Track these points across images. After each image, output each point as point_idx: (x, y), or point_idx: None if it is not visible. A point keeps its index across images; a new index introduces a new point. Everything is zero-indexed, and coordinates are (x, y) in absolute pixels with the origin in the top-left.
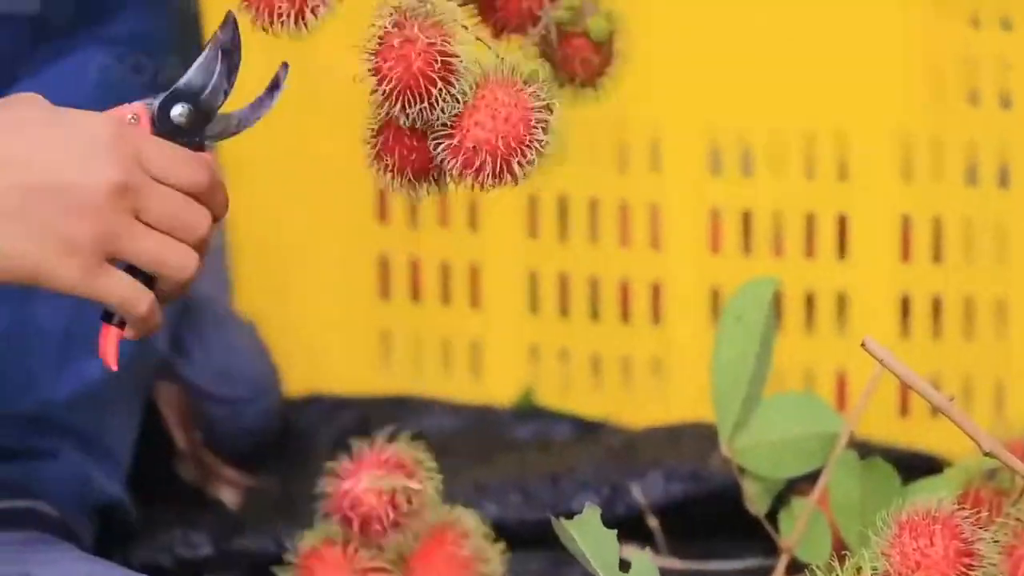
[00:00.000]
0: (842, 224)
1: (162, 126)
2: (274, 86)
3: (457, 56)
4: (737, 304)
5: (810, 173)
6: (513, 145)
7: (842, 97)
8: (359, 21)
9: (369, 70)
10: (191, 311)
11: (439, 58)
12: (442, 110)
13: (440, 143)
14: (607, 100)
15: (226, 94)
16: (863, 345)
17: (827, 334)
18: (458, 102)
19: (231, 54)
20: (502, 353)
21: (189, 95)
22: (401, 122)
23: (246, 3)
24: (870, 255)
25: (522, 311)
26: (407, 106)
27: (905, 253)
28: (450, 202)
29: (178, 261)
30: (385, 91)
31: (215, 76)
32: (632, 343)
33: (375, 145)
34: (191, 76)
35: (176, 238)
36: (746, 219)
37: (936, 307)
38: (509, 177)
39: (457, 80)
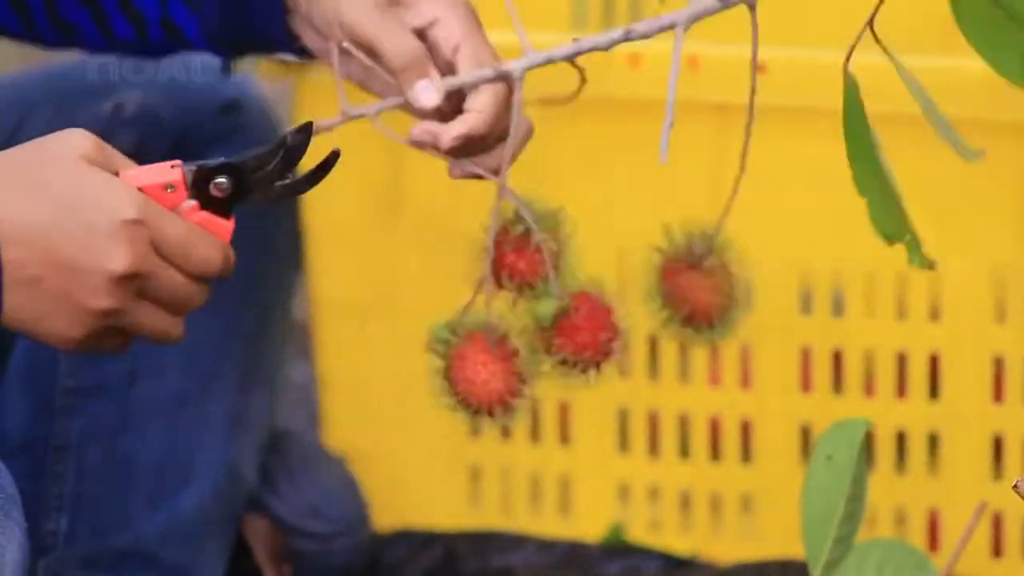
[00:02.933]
0: (934, 364)
1: (198, 191)
2: (321, 169)
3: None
4: (828, 444)
5: (902, 313)
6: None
7: (935, 237)
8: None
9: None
10: (280, 446)
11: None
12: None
13: None
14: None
15: (274, 184)
16: (1015, 487)
17: (919, 473)
18: None
19: (293, 153)
20: (591, 490)
21: (236, 173)
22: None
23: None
24: (962, 395)
25: (612, 448)
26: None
27: (998, 393)
28: None
29: (167, 332)
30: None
31: (270, 167)
32: (722, 480)
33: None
34: (247, 158)
35: (171, 312)
36: (837, 358)
37: None
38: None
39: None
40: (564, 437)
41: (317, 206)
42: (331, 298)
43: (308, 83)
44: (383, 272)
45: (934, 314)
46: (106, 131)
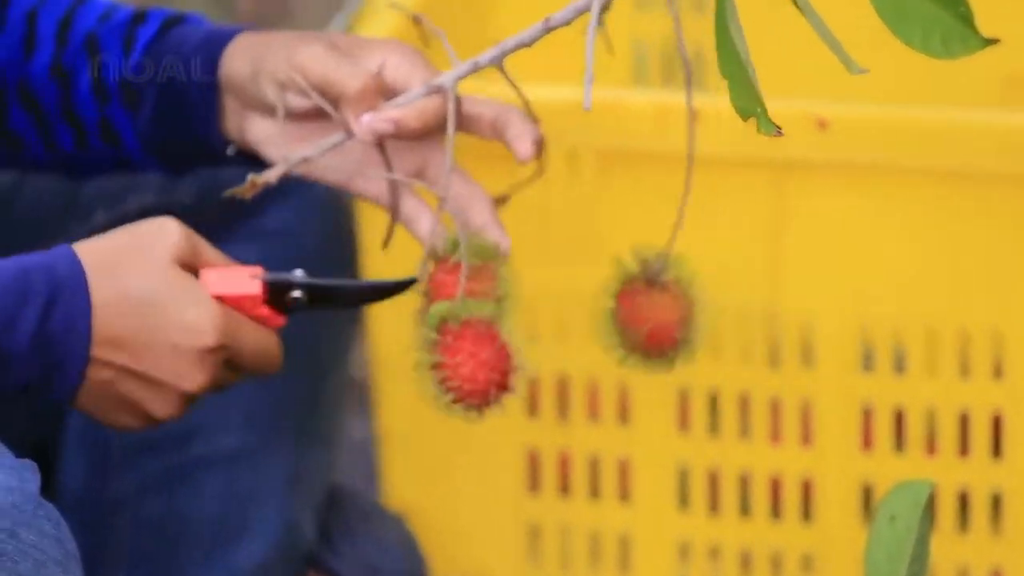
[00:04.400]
0: (996, 424)
1: (273, 298)
2: (398, 288)
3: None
4: (891, 505)
5: (964, 371)
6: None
7: (997, 296)
8: None
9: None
10: (339, 504)
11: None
12: None
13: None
14: (760, 292)
15: (349, 305)
16: None
17: (982, 533)
18: None
19: (381, 297)
20: (651, 549)
21: (317, 291)
22: None
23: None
24: None
25: (672, 506)
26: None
27: None
28: (601, 397)
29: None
30: None
31: (351, 294)
32: (783, 540)
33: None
34: (334, 287)
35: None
36: (898, 416)
37: None
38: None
39: None
40: (624, 494)
41: (375, 262)
42: (389, 356)
43: None
44: None
45: (997, 372)
46: (167, 183)
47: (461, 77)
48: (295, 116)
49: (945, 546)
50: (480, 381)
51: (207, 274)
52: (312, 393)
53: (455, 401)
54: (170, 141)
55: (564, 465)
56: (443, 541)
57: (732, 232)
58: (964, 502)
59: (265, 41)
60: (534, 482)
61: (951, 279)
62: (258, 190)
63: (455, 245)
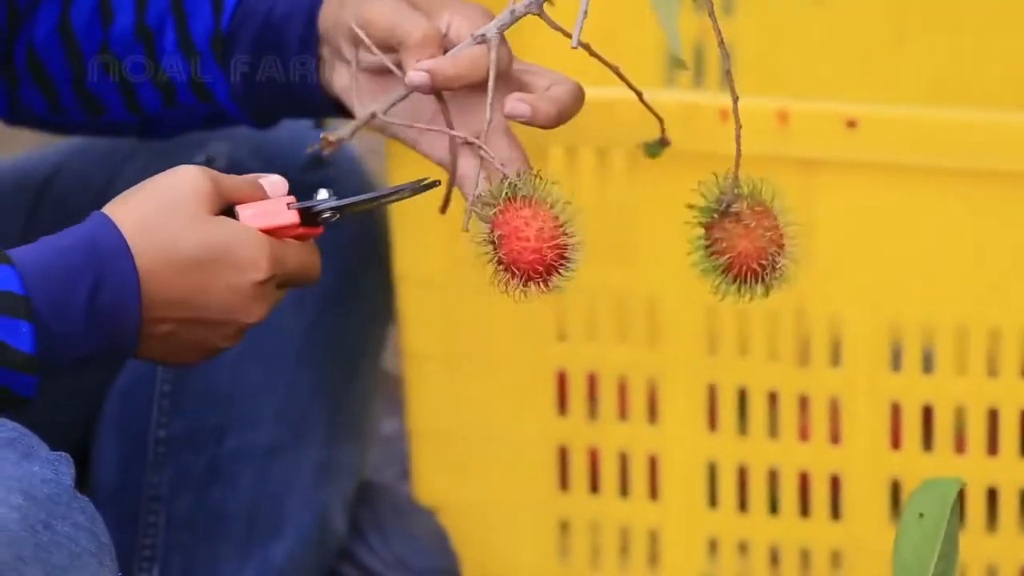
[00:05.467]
0: None
1: (306, 219)
2: (420, 188)
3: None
4: (919, 502)
5: (993, 369)
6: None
7: None
8: None
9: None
10: (370, 499)
11: None
12: None
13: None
14: (788, 291)
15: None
16: None
17: (1010, 531)
18: None
19: (405, 195)
20: (680, 545)
21: (345, 208)
22: None
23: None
24: None
25: (700, 503)
26: None
27: None
28: (630, 394)
29: None
30: None
31: (379, 199)
32: (812, 536)
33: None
34: (358, 198)
35: None
36: (927, 413)
37: None
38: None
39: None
40: (653, 491)
41: (407, 258)
42: (421, 351)
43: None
44: (473, 324)
45: None
46: None
47: (504, 27)
48: (372, 71)
49: (973, 543)
50: (533, 251)
51: (243, 211)
52: (343, 388)
53: (509, 274)
54: (266, 93)
55: (594, 462)
56: (474, 537)
57: None
58: (993, 499)
59: None
60: (564, 479)
61: (980, 277)
62: (335, 147)
63: (512, 186)
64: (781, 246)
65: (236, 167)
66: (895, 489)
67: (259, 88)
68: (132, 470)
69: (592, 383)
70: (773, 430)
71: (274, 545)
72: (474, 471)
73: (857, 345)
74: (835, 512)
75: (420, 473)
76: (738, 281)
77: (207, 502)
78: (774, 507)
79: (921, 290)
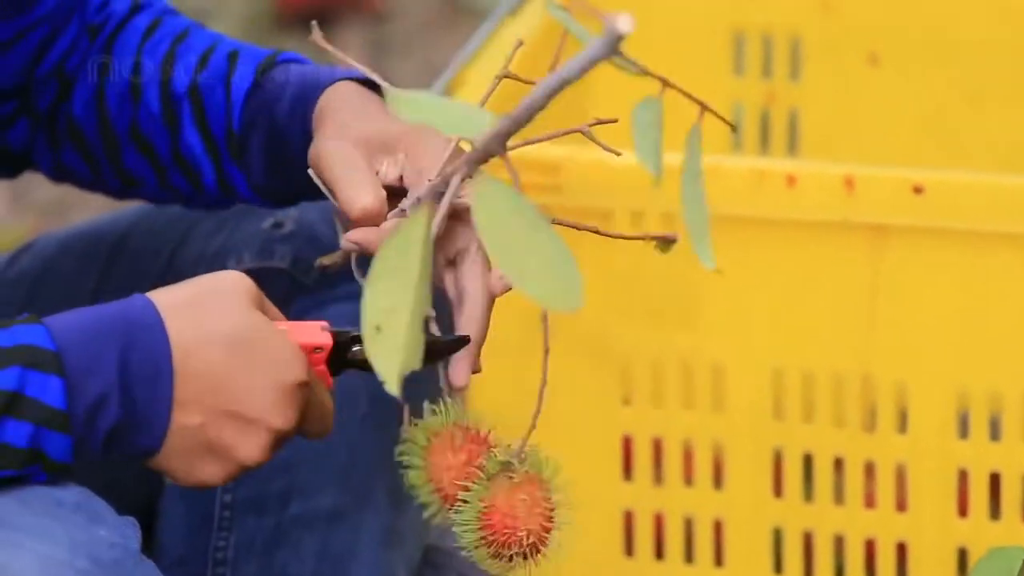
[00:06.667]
0: None
1: (335, 354)
2: (454, 344)
3: None
4: (985, 570)
5: None
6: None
7: None
8: None
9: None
10: (434, 563)
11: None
12: None
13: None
14: (854, 356)
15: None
16: None
17: None
18: None
19: (436, 354)
20: None
21: None
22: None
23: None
24: None
25: (766, 570)
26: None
27: None
28: (695, 459)
29: None
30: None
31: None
32: None
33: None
34: None
35: None
36: (994, 481)
37: None
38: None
39: None
40: (718, 558)
41: None
42: (489, 415)
43: None
44: (535, 389)
45: None
46: (265, 247)
47: (428, 199)
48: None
49: None
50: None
51: (279, 324)
52: None
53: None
54: (281, 187)
55: (659, 527)
56: None
57: (829, 296)
58: None
59: (335, 107)
60: (629, 544)
61: None
62: (340, 264)
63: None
64: (548, 518)
65: (304, 231)
66: (962, 557)
67: (276, 184)
68: (198, 535)
69: (657, 448)
70: (839, 496)
71: None
72: None
73: (924, 411)
74: None
75: None
76: (495, 542)
77: (272, 567)
78: (840, 574)
79: (988, 356)
